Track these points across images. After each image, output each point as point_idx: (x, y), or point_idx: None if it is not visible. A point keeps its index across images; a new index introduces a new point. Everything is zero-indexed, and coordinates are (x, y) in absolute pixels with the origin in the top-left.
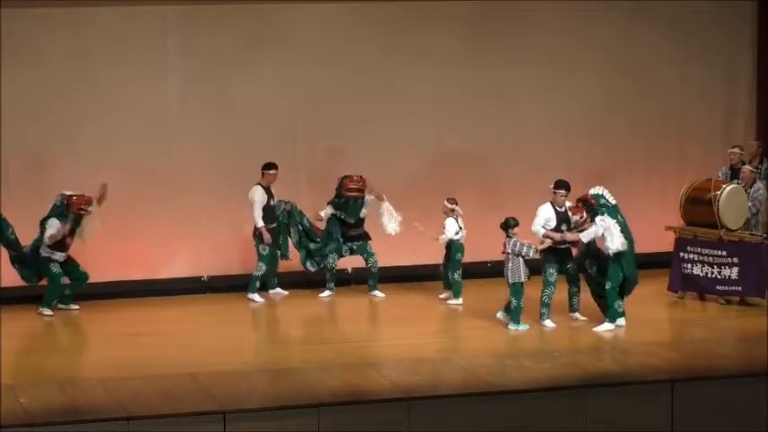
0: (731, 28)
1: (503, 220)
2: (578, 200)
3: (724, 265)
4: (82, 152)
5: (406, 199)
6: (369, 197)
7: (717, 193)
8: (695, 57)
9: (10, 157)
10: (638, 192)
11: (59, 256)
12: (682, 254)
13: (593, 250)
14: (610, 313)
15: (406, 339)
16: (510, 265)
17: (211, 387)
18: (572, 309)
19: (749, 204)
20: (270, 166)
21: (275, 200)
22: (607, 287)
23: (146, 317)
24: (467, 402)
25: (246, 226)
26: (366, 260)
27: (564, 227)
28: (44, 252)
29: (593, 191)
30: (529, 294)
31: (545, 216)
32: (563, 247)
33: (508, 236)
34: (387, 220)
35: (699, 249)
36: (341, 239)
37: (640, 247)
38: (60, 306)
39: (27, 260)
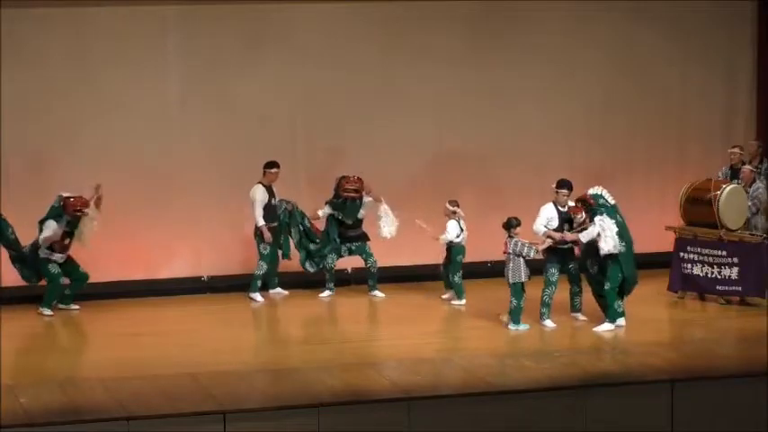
0: (731, 28)
1: (505, 220)
2: (577, 200)
3: (724, 265)
4: (82, 152)
5: (406, 199)
6: (367, 199)
7: (717, 193)
8: (695, 57)
9: (10, 157)
10: (638, 192)
11: (58, 257)
12: (682, 254)
13: (594, 250)
14: (609, 313)
15: (406, 339)
16: (511, 265)
17: (211, 387)
18: (573, 309)
19: (749, 204)
20: (271, 164)
21: (277, 199)
22: (606, 287)
23: (146, 317)
24: (467, 402)
25: (247, 226)
26: (365, 260)
27: (566, 227)
28: (43, 253)
29: (591, 191)
30: (530, 294)
31: (547, 216)
32: (565, 247)
33: (510, 236)
34: (383, 223)
35: (699, 249)
36: (337, 240)
37: (640, 247)
38: (60, 306)
39: (27, 260)
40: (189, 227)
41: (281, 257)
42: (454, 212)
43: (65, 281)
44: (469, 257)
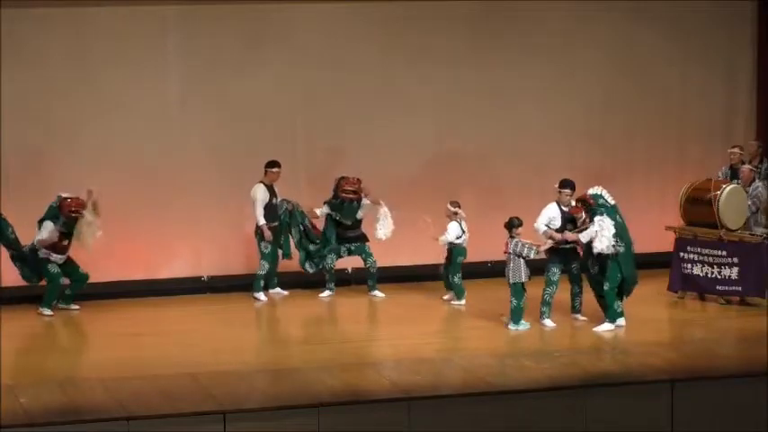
0: (731, 28)
1: (507, 220)
2: (577, 200)
3: (724, 265)
4: (82, 152)
5: (406, 199)
6: (366, 201)
7: (717, 193)
8: (695, 57)
9: (10, 157)
10: (638, 192)
11: (57, 257)
12: (682, 254)
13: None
14: (609, 314)
15: (406, 339)
16: (511, 265)
17: (211, 387)
18: (574, 309)
19: (749, 203)
20: (273, 164)
21: (278, 198)
22: (605, 288)
23: (146, 317)
24: (467, 402)
25: (247, 225)
26: (365, 260)
27: (569, 227)
28: (42, 253)
29: (591, 191)
30: (531, 294)
31: (549, 215)
32: (567, 247)
33: (511, 236)
34: (380, 225)
35: (699, 249)
36: (333, 240)
37: (640, 247)
38: (60, 306)
39: (27, 260)
40: (189, 227)
41: (281, 257)
42: (455, 213)
43: (65, 281)
44: (470, 257)
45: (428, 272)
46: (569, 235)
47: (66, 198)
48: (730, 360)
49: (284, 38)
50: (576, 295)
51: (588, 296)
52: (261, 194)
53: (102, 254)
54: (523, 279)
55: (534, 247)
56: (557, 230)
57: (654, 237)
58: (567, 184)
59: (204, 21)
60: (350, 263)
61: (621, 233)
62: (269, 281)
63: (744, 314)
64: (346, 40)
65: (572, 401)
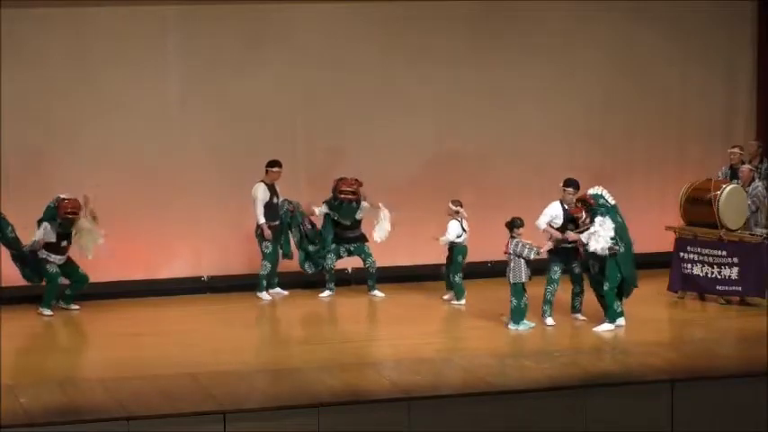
0: (731, 28)
1: (509, 219)
2: (578, 200)
3: (724, 265)
4: (82, 152)
5: (406, 199)
6: (365, 204)
7: (717, 193)
8: (695, 57)
9: (10, 157)
10: (638, 192)
11: (56, 258)
12: (682, 254)
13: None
14: (609, 314)
15: (406, 339)
16: (512, 265)
17: (211, 387)
18: (574, 309)
19: (748, 203)
20: (273, 163)
21: (279, 198)
22: (605, 288)
23: (146, 317)
24: (467, 402)
25: (247, 225)
26: (364, 261)
27: (570, 226)
28: (41, 254)
29: (592, 191)
30: (532, 293)
31: (551, 213)
32: (568, 246)
33: (512, 236)
34: (378, 228)
35: (699, 249)
36: (330, 240)
37: (640, 247)
38: (61, 305)
39: (27, 260)
40: (189, 227)
41: (281, 257)
42: (457, 212)
43: (64, 281)
44: (470, 257)
45: (428, 272)
46: (571, 235)
47: (63, 199)
48: (730, 360)
49: (284, 38)
50: (576, 295)
51: (589, 296)
52: (261, 193)
53: (102, 254)
54: (524, 279)
55: (535, 248)
56: (558, 229)
57: (654, 237)
58: (570, 183)
59: (204, 21)
60: (350, 263)
61: (621, 233)
62: (269, 280)
63: (744, 314)
64: (346, 40)
65: (572, 401)
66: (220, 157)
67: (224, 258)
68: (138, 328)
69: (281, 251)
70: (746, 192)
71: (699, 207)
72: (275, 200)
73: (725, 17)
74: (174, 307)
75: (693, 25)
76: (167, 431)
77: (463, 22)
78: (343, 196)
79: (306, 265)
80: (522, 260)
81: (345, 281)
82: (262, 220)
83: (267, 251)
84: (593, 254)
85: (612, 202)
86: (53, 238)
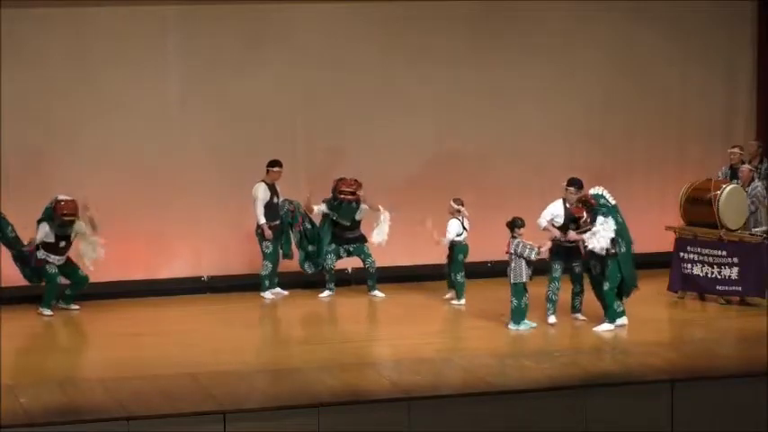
0: (731, 28)
1: (510, 219)
2: (578, 200)
3: (724, 265)
4: (82, 152)
5: (406, 199)
6: (364, 206)
7: (717, 193)
8: (695, 57)
9: (10, 157)
10: (638, 192)
11: (55, 258)
12: (682, 254)
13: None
14: (609, 314)
15: (406, 339)
16: (513, 265)
17: (211, 387)
18: (574, 309)
19: (748, 202)
20: (274, 163)
21: (280, 198)
22: (605, 287)
23: (146, 317)
24: (467, 402)
25: (247, 225)
26: (363, 261)
27: (572, 225)
28: (40, 254)
29: (593, 191)
30: (534, 293)
31: (553, 212)
32: (570, 244)
33: (513, 236)
34: (377, 231)
35: (699, 249)
36: (328, 239)
37: (640, 247)
38: (61, 305)
39: (27, 260)
40: (189, 227)
41: (281, 257)
42: (458, 211)
43: (64, 281)
44: (470, 257)
45: (428, 272)
46: (573, 235)
47: (60, 201)
48: (730, 360)
49: (284, 38)
50: (576, 294)
51: (589, 296)
52: (261, 193)
53: (103, 246)
54: (524, 279)
55: (536, 248)
56: (559, 228)
57: (654, 237)
58: (573, 182)
59: (204, 21)
60: (350, 263)
61: (622, 233)
62: (270, 280)
63: (744, 314)
64: (346, 40)
65: (572, 401)
66: (220, 157)
67: (224, 258)
68: (138, 328)
69: (281, 251)
70: (746, 192)
71: (699, 207)
72: (276, 200)
73: (725, 17)
74: (174, 307)
75: (693, 25)
76: (167, 431)
77: (463, 22)
78: (342, 196)
79: (306, 265)
80: (523, 260)
81: (345, 281)
82: (262, 220)
83: (268, 251)
84: (594, 254)
85: (613, 202)
86: (51, 239)
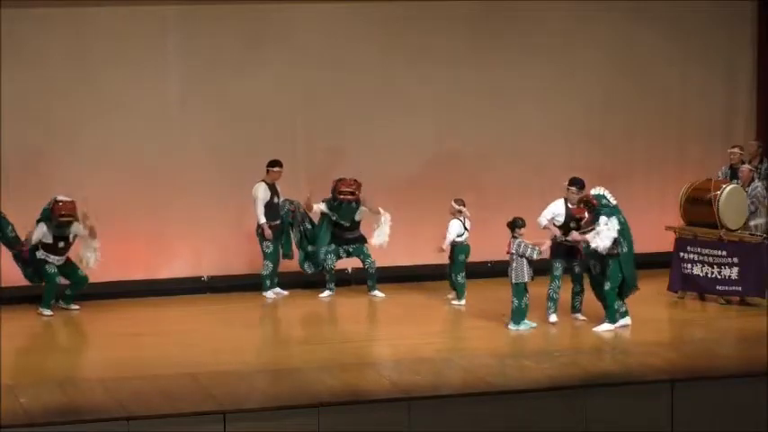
0: (731, 28)
1: (510, 220)
2: (580, 200)
3: (724, 265)
4: (82, 152)
5: (406, 199)
6: (364, 208)
7: (717, 193)
8: (695, 57)
9: (10, 157)
10: (638, 192)
11: (54, 259)
12: (682, 254)
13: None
14: (609, 314)
15: (406, 339)
16: (514, 265)
17: (211, 387)
18: (574, 309)
19: (748, 203)
20: (274, 163)
21: (280, 198)
22: (606, 287)
23: (146, 317)
24: (467, 402)
25: (247, 225)
26: (363, 261)
27: (573, 224)
28: (40, 254)
29: (594, 191)
30: (535, 293)
31: (554, 210)
32: (571, 243)
33: (514, 236)
34: (378, 233)
35: (699, 249)
36: (327, 239)
37: (640, 247)
38: (61, 305)
39: (27, 260)
40: (189, 227)
41: (281, 256)
42: (460, 211)
43: (64, 280)
44: (470, 257)
45: (428, 272)
46: (576, 236)
47: (58, 202)
48: (730, 360)
49: (284, 38)
50: (576, 294)
51: (589, 296)
52: (262, 193)
53: (102, 254)
54: (526, 279)
55: (537, 248)
56: (560, 227)
57: (654, 237)
58: (575, 182)
59: (204, 21)
60: (350, 263)
61: (624, 233)
62: (271, 280)
63: (744, 314)
64: (346, 40)
65: (572, 401)
66: (220, 157)
67: (224, 258)
68: (138, 328)
69: (281, 251)
70: (746, 192)
71: (699, 207)
72: (276, 199)
73: (725, 17)
74: (174, 307)
75: (693, 25)
76: (167, 431)
77: (463, 22)
78: (342, 197)
79: (306, 265)
80: (525, 260)
81: (345, 281)
82: (262, 220)
83: (268, 251)
84: (595, 254)
85: (614, 203)
86: (49, 240)
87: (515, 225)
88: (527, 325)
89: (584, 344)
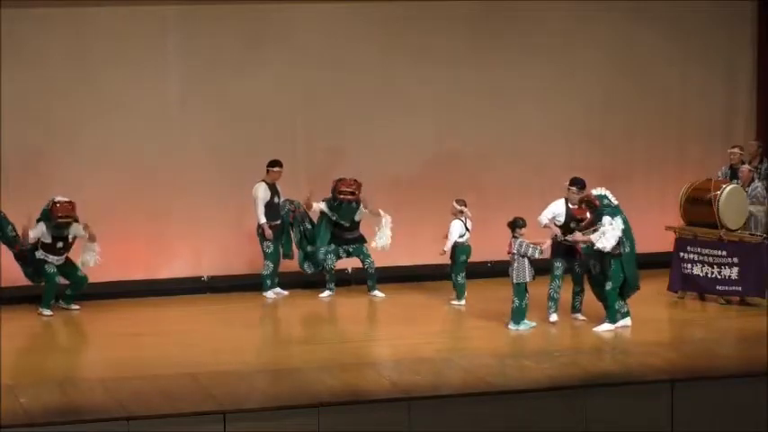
0: (731, 28)
1: (511, 219)
2: (581, 200)
3: (724, 265)
4: (82, 152)
5: (406, 199)
6: (364, 209)
7: (717, 193)
8: (695, 57)
9: (10, 157)
10: (638, 192)
11: (54, 259)
12: (682, 254)
13: (598, 250)
14: (610, 314)
15: (406, 339)
16: (515, 265)
17: (211, 387)
18: (574, 309)
19: (748, 203)
20: (274, 163)
21: (280, 198)
22: (608, 287)
23: (146, 317)
24: (467, 402)
25: (247, 225)
26: (363, 261)
27: (573, 224)
28: (39, 254)
29: (595, 191)
30: (536, 292)
31: (554, 210)
32: (571, 243)
33: (514, 236)
34: (379, 236)
35: (699, 249)
36: (326, 239)
37: (640, 247)
38: (61, 305)
39: (29, 259)
40: (189, 227)
41: (281, 257)
42: (461, 212)
43: (63, 280)
44: (470, 257)
45: (428, 272)
46: (579, 236)
47: (56, 202)
48: (730, 360)
49: (284, 38)
50: (576, 294)
51: (589, 296)
52: (262, 193)
53: (102, 254)
54: (527, 279)
55: (538, 248)
56: (560, 227)
57: (654, 237)
58: (575, 182)
59: (204, 21)
60: (350, 263)
61: (627, 233)
62: (271, 280)
63: (744, 314)
64: (346, 40)
65: (572, 401)
66: (220, 157)
67: (224, 258)
68: (138, 328)
69: (281, 251)
70: (746, 192)
71: (699, 207)
72: (276, 199)
73: (725, 17)
74: (174, 307)
75: (693, 25)
76: (167, 431)
77: (463, 22)
78: (342, 197)
79: (305, 265)
80: (526, 260)
81: (345, 281)
82: (263, 220)
83: (268, 251)
84: (595, 254)
85: (615, 203)
86: (48, 240)
87: (516, 225)
88: (527, 325)
89: (584, 344)
